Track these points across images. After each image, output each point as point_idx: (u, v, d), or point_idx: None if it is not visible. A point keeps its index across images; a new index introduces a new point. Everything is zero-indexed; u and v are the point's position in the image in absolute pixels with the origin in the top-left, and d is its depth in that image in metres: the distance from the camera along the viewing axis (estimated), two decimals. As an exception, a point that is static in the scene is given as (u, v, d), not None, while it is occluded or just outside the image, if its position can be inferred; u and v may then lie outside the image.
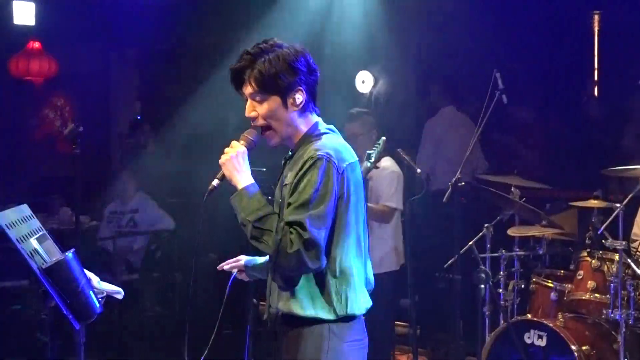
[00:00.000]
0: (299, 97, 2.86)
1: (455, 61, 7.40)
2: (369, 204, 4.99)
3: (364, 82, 7.63)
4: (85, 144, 5.01)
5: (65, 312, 2.79)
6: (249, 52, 2.87)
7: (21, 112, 9.62)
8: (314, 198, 2.72)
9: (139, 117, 9.90)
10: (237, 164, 2.86)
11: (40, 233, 3.02)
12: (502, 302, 5.18)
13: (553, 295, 4.97)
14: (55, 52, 8.70)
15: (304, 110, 2.90)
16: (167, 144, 8.81)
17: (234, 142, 2.92)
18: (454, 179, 4.99)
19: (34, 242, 2.90)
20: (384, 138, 4.86)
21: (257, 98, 2.87)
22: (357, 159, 2.94)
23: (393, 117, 7.24)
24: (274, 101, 2.86)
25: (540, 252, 5.26)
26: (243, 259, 3.26)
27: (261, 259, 3.20)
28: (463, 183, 4.97)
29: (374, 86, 7.66)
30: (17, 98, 9.11)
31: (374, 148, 4.84)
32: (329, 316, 2.80)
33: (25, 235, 2.88)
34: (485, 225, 5.23)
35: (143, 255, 7.40)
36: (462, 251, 5.02)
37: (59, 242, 3.16)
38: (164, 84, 9.24)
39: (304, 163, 2.78)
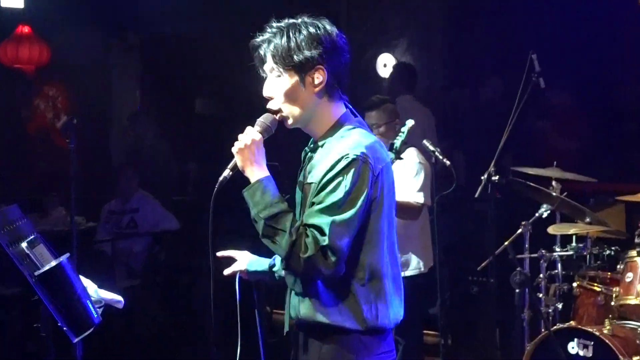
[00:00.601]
0: (319, 77, 2.80)
1: (487, 42, 7.35)
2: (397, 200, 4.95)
3: (386, 65, 7.60)
4: (81, 137, 5.00)
5: (60, 323, 2.77)
6: (272, 25, 2.84)
7: (12, 103, 9.62)
8: (343, 202, 2.68)
9: (139, 108, 9.91)
10: (250, 154, 2.81)
11: (32, 236, 3.01)
12: (542, 308, 5.14)
13: (599, 300, 4.93)
14: (47, 37, 8.69)
15: (328, 95, 2.84)
16: (171, 137, 8.82)
17: (248, 128, 2.86)
18: (486, 172, 4.94)
19: (25, 247, 2.88)
20: (410, 121, 4.80)
21: (275, 74, 2.83)
22: (389, 157, 2.91)
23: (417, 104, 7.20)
24: (292, 78, 2.81)
25: (585, 252, 5.22)
26: (246, 259, 3.22)
27: (266, 261, 3.18)
28: (497, 176, 4.93)
29: (396, 70, 7.62)
30: (6, 88, 9.11)
31: (397, 136, 4.80)
32: (359, 326, 2.76)
33: (16, 239, 2.87)
34: (523, 223, 5.20)
35: (145, 259, 7.40)
36: (497, 252, 4.99)
37: (53, 246, 3.13)
38: (169, 73, 9.23)
39: (337, 162, 2.72)
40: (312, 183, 2.79)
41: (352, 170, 2.69)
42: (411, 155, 5.19)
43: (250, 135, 2.84)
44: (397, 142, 4.77)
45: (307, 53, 2.78)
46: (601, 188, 6.11)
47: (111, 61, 9.90)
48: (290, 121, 2.86)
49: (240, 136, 2.85)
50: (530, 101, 5.13)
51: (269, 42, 2.81)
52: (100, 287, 3.23)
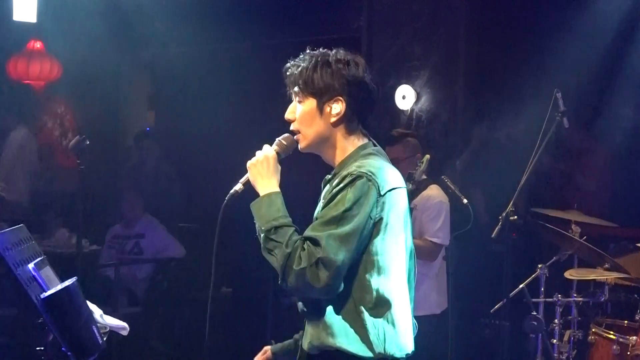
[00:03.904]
0: (337, 107, 2.96)
1: (511, 77, 7.41)
2: (415, 240, 5.00)
3: (405, 97, 7.66)
4: (88, 158, 5.09)
5: (64, 347, 2.83)
6: (306, 52, 3.02)
7: (19, 118, 9.70)
8: (342, 216, 2.78)
9: (147, 129, 9.98)
10: (262, 169, 2.97)
11: (39, 258, 3.06)
12: (555, 355, 5.16)
13: (615, 348, 4.93)
14: (59, 53, 8.79)
15: (346, 126, 2.99)
16: (179, 160, 8.88)
17: (265, 146, 3.02)
18: (504, 212, 4.98)
19: (31, 268, 2.94)
20: (427, 156, 4.88)
21: (298, 98, 3.00)
22: (404, 186, 3.01)
23: (436, 138, 7.26)
24: (310, 104, 2.98)
25: (602, 299, 5.24)
26: (268, 349, 3.30)
27: (288, 342, 3.27)
28: (515, 217, 4.96)
29: (415, 102, 7.69)
30: (14, 103, 9.20)
31: (416, 168, 4.87)
32: (366, 353, 2.84)
33: (23, 260, 2.93)
34: (539, 265, 5.22)
35: (147, 286, 7.45)
36: (511, 294, 5.00)
37: (55, 268, 3.20)
38: (181, 92, 9.31)
39: (343, 179, 2.85)
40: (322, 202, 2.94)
41: (355, 187, 2.81)
42: (433, 192, 5.25)
43: (265, 151, 3.00)
44: (416, 173, 4.83)
45: (328, 81, 2.94)
46: (622, 234, 6.12)
47: (120, 79, 9.99)
48: (303, 144, 3.02)
49: (257, 152, 3.01)
50: (552, 140, 5.17)
51: (298, 66, 2.98)
52: (102, 312, 3.29)
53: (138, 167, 8.96)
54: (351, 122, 2.99)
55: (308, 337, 2.94)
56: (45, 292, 2.86)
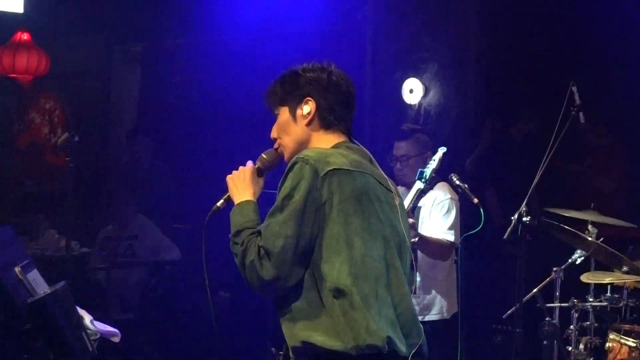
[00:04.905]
0: (307, 108, 3.16)
1: (524, 71, 7.40)
2: (425, 235, 5.01)
3: (412, 91, 7.67)
4: (78, 155, 5.09)
5: (52, 355, 2.83)
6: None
7: (4, 114, 9.72)
8: (282, 205, 2.95)
9: (140, 125, 9.97)
10: (238, 181, 3.18)
11: (26, 261, 3.08)
12: (572, 363, 5.16)
13: (634, 356, 4.94)
14: (47, 45, 8.79)
15: (320, 125, 3.18)
16: (173, 158, 8.88)
17: (248, 162, 3.24)
18: (517, 213, 4.98)
19: (18, 272, 2.95)
20: (442, 149, 4.86)
21: (276, 113, 3.24)
22: (370, 173, 3.09)
23: (445, 134, 7.26)
24: (284, 113, 3.22)
25: (620, 304, 5.23)
26: None
27: None
28: (529, 217, 4.96)
29: (423, 97, 7.69)
30: (0, 98, 9.21)
31: (427, 165, 4.86)
32: (337, 345, 2.90)
33: (9, 263, 2.94)
34: (554, 269, 5.22)
35: (141, 291, 7.45)
36: (525, 299, 5.00)
37: (43, 271, 3.21)
38: (173, 87, 9.32)
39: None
40: None
41: (293, 172, 2.99)
42: (443, 190, 5.25)
43: (246, 166, 3.22)
44: (428, 171, 4.82)
45: (295, 86, 3.18)
46: (641, 235, 6.13)
47: (112, 73, 9.99)
48: (286, 155, 3.21)
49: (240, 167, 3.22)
50: (568, 137, 5.16)
51: (271, 86, 3.24)
52: (92, 318, 3.29)
53: (131, 165, 8.96)
54: (324, 120, 3.18)
55: (287, 335, 3.03)
56: (32, 296, 2.87)
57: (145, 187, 8.35)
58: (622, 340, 5.04)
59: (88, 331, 3.09)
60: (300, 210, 2.92)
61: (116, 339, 3.30)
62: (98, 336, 3.20)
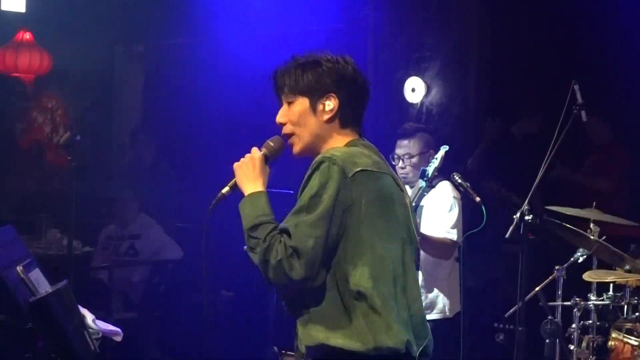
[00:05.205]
0: (330, 104, 3.07)
1: (525, 69, 7.40)
2: (428, 234, 5.00)
3: (414, 90, 7.66)
4: (80, 154, 5.10)
5: (54, 354, 2.84)
6: (293, 56, 3.12)
7: (6, 114, 9.72)
8: (310, 204, 2.88)
9: (142, 124, 9.97)
10: (247, 170, 3.09)
11: (28, 260, 3.08)
12: (574, 361, 5.16)
13: (636, 355, 4.93)
14: (49, 44, 8.79)
15: (338, 123, 3.10)
16: (175, 157, 8.88)
17: (254, 149, 3.13)
18: (519, 211, 4.98)
19: (20, 271, 2.95)
20: (445, 148, 4.87)
21: (289, 100, 3.10)
22: (389, 173, 3.07)
23: (447, 133, 7.26)
24: (302, 103, 3.10)
25: (622, 303, 5.23)
26: None
27: None
28: (531, 216, 4.96)
29: (425, 95, 7.69)
30: (2, 97, 9.21)
31: (430, 163, 4.86)
32: (357, 346, 2.89)
33: (11, 262, 2.94)
34: (556, 267, 5.22)
35: (143, 290, 7.45)
36: (527, 298, 5.00)
37: (45, 270, 3.21)
38: (176, 86, 9.32)
39: (309, 169, 2.96)
40: None
41: (320, 171, 2.92)
42: (446, 188, 5.24)
43: (252, 153, 3.11)
44: (430, 169, 4.82)
45: (319, 79, 3.07)
46: (643, 233, 6.12)
47: (114, 72, 10.00)
48: (298, 147, 3.12)
49: (246, 155, 3.12)
50: (570, 135, 5.16)
51: (287, 68, 3.10)
52: (95, 317, 3.29)
53: (133, 164, 8.97)
54: (344, 118, 3.10)
55: (301, 338, 3.00)
56: (34, 296, 2.87)
57: (147, 186, 8.36)
58: (625, 339, 5.04)
59: (90, 330, 3.09)
60: (329, 211, 2.87)
61: (118, 338, 3.30)
62: (100, 335, 3.20)
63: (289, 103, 3.10)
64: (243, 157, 3.12)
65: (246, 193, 3.04)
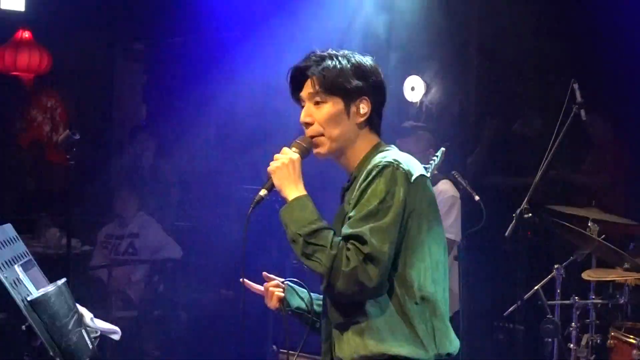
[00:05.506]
0: (364, 108, 3.00)
1: (525, 69, 7.40)
2: None
3: (414, 89, 7.66)
4: (80, 153, 5.09)
5: (52, 353, 2.82)
6: (317, 52, 3.03)
7: (6, 113, 9.72)
8: (379, 209, 2.80)
9: (142, 122, 9.99)
10: (288, 173, 2.97)
11: (26, 259, 3.06)
12: (573, 360, 5.16)
13: (635, 353, 4.92)
14: (48, 43, 8.80)
15: (369, 127, 3.04)
16: (175, 156, 8.88)
17: (284, 149, 3.02)
18: (518, 210, 4.97)
19: (18, 270, 2.94)
20: (443, 149, 4.87)
21: (317, 99, 3.00)
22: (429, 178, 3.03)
23: (447, 132, 7.25)
24: (336, 105, 3.00)
25: (622, 301, 5.23)
26: (281, 295, 3.27)
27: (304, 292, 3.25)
28: (530, 214, 4.96)
29: (425, 94, 7.68)
30: (2, 96, 9.21)
31: (430, 162, 4.87)
32: (420, 354, 2.84)
33: (9, 261, 2.93)
34: (556, 266, 5.22)
35: (142, 289, 7.45)
36: (526, 296, 5.00)
37: (44, 269, 3.20)
38: (175, 85, 9.32)
39: (369, 173, 2.86)
40: (349, 204, 2.91)
41: (385, 177, 2.83)
42: (445, 187, 5.25)
43: (288, 154, 2.99)
44: (430, 168, 4.83)
45: (356, 82, 2.98)
46: (642, 232, 6.12)
47: (114, 71, 10.00)
48: (326, 148, 3.03)
49: (276, 155, 3.01)
50: (569, 134, 5.16)
51: (318, 65, 2.99)
52: (94, 316, 3.28)
53: (133, 162, 8.97)
54: (373, 122, 3.05)
55: (351, 346, 2.90)
56: (32, 294, 2.86)
57: (147, 185, 8.36)
58: (624, 338, 5.04)
59: (88, 329, 3.08)
60: (399, 216, 2.80)
61: (116, 337, 3.28)
62: (98, 334, 3.18)
63: (317, 103, 3.00)
64: (274, 158, 3.01)
65: (290, 197, 2.93)
